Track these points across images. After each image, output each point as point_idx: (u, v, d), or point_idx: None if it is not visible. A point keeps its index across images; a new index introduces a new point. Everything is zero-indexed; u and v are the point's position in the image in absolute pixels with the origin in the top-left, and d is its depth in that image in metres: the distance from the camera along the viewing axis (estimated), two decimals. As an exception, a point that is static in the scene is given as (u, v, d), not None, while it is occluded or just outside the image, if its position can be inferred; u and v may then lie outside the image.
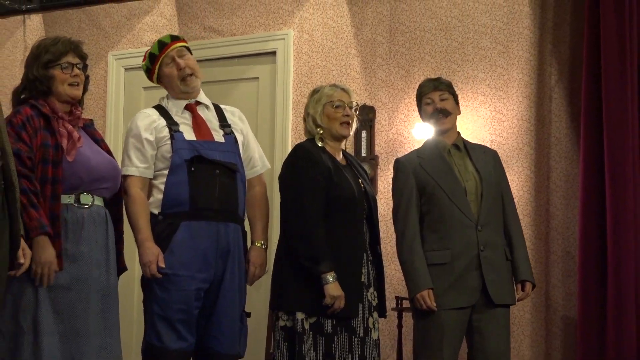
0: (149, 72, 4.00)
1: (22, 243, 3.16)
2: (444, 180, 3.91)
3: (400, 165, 4.05)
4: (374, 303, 3.79)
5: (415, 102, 5.14)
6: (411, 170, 3.97)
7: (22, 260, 3.16)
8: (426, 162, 3.97)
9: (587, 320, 4.57)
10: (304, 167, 3.76)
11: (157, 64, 3.93)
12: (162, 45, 3.93)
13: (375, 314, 3.78)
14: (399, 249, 3.95)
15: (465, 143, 4.09)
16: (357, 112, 3.97)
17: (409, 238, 3.90)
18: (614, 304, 4.48)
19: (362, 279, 3.74)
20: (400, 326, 4.84)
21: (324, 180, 3.73)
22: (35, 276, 3.29)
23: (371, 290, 3.78)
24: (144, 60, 4.00)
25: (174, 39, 3.97)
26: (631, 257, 4.49)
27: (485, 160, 4.05)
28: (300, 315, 3.68)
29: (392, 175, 5.05)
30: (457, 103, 4.11)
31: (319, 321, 3.68)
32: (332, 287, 3.62)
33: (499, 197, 4.00)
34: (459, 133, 4.10)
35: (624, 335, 4.43)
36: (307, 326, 3.69)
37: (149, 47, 5.97)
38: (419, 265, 3.85)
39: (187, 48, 3.98)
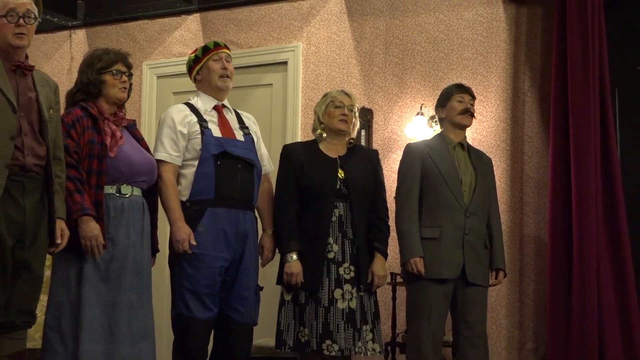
0: (195, 62, 3.93)
1: (62, 225, 3.20)
2: (445, 170, 3.94)
3: (410, 150, 4.07)
4: (348, 277, 3.76)
5: (407, 105, 5.23)
6: (419, 156, 3.99)
7: (59, 241, 3.18)
8: (434, 152, 3.98)
9: (556, 293, 4.60)
10: (281, 165, 3.89)
11: (208, 56, 3.88)
12: (217, 44, 3.94)
13: (347, 286, 3.74)
14: (399, 219, 3.95)
15: (468, 145, 4.13)
16: (358, 115, 4.02)
17: (409, 210, 3.92)
18: (579, 277, 4.51)
19: (332, 256, 3.76)
20: (394, 298, 4.86)
21: (294, 174, 3.82)
22: (85, 250, 3.32)
23: (345, 265, 3.76)
24: (194, 52, 3.96)
25: (228, 48, 4.00)
26: (593, 238, 4.51)
27: (482, 162, 4.09)
28: (282, 289, 3.81)
29: (387, 166, 5.13)
30: None
31: (297, 293, 3.76)
32: (289, 265, 3.72)
33: (488, 194, 4.04)
34: (465, 136, 4.14)
35: (587, 304, 4.46)
36: (288, 298, 3.78)
37: (178, 57, 6.03)
38: (415, 236, 3.88)
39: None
